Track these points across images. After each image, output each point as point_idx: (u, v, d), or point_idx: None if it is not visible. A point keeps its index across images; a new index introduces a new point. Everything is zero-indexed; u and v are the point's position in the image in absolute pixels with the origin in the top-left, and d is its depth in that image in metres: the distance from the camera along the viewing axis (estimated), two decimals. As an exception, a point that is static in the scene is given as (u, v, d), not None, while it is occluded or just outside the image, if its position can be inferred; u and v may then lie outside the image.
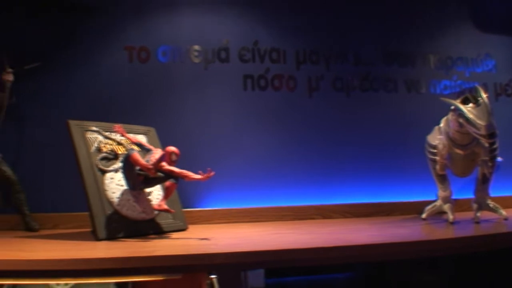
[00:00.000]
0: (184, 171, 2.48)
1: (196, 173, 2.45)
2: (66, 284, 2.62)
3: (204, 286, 2.04)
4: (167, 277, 2.05)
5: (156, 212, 2.75)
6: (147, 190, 2.78)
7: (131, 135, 2.85)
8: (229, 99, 3.61)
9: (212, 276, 1.95)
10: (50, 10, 3.44)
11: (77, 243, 2.44)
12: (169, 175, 2.53)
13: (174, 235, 2.68)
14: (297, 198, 3.55)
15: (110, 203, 2.61)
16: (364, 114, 3.80)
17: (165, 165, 2.51)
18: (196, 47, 3.62)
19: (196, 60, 3.61)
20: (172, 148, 2.55)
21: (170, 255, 1.96)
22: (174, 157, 2.55)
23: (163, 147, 2.78)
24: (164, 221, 2.79)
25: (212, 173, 2.40)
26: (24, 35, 3.44)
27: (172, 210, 2.63)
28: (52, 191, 3.32)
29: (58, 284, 2.59)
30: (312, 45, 3.78)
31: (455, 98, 2.79)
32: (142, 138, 2.95)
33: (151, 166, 2.47)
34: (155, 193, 2.83)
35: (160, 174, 2.53)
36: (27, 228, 3.13)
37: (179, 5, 3.66)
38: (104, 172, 2.70)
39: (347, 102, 3.79)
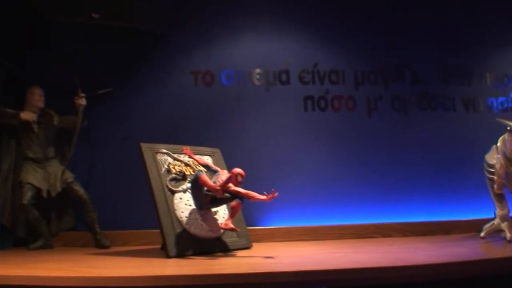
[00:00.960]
0: (250, 192, 2.59)
1: (261, 193, 2.55)
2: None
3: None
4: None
5: (222, 230, 2.85)
6: (214, 209, 2.90)
7: (198, 157, 2.98)
8: (290, 120, 3.71)
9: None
10: (120, 38, 3.67)
11: (147, 260, 2.57)
12: (235, 195, 2.63)
13: (240, 253, 2.78)
14: (356, 216, 3.59)
15: (179, 222, 2.75)
16: (423, 133, 3.81)
17: (231, 186, 2.62)
18: (258, 70, 3.75)
19: (258, 83, 3.74)
20: (238, 170, 2.66)
21: (238, 273, 2.04)
22: (240, 179, 2.67)
23: (227, 167, 2.91)
24: (229, 239, 2.90)
25: (276, 194, 2.49)
26: (95, 61, 3.69)
27: (238, 229, 2.74)
28: (122, 210, 3.53)
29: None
30: (370, 66, 3.84)
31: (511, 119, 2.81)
32: (208, 159, 3.09)
33: (218, 187, 2.59)
34: (221, 213, 2.95)
35: (226, 194, 2.64)
36: (99, 245, 3.32)
37: (242, 31, 3.81)
38: (173, 192, 2.85)
39: (406, 121, 3.81)
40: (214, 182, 2.65)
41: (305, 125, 3.69)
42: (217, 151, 3.25)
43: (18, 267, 2.38)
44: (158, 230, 3.08)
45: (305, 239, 3.43)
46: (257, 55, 3.77)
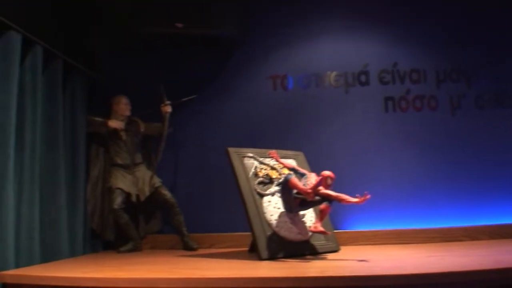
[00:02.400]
0: (341, 195, 2.57)
1: (353, 196, 2.52)
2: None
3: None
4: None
5: (310, 233, 2.85)
6: (301, 212, 2.90)
7: (284, 160, 2.99)
8: (371, 121, 3.65)
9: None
10: (201, 45, 3.74)
11: (241, 262, 2.61)
12: (326, 198, 2.62)
13: (330, 256, 2.76)
14: (442, 218, 3.48)
15: (269, 225, 2.76)
16: (510, 131, 3.64)
17: (322, 189, 2.61)
18: (336, 72, 3.73)
19: (337, 85, 3.71)
20: (327, 173, 2.65)
21: (339, 276, 2.03)
22: (329, 181, 2.65)
23: (311, 170, 2.90)
24: (317, 242, 2.89)
25: (368, 196, 2.44)
26: (178, 69, 3.79)
27: (328, 232, 2.73)
28: (207, 213, 3.59)
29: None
30: (452, 63, 3.71)
31: None
32: (292, 162, 3.08)
33: (309, 190, 2.59)
34: (308, 216, 2.94)
35: (316, 197, 2.63)
36: (186, 247, 3.39)
37: (318, 34, 3.79)
38: (262, 195, 2.86)
39: (490, 119, 3.66)
40: (304, 185, 2.64)
41: (386, 126, 3.62)
42: (301, 154, 3.25)
43: (117, 269, 2.45)
44: (242, 233, 3.27)
45: (391, 242, 3.36)
46: (335, 57, 3.73)
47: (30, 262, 2.59)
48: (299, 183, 2.64)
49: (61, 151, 3.03)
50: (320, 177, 2.60)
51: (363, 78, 3.71)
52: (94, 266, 2.64)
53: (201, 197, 3.61)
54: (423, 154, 3.60)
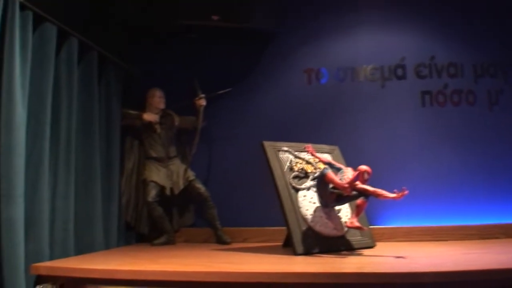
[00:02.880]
0: (378, 190, 2.51)
1: (390, 191, 2.47)
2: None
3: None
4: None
5: (346, 229, 2.80)
6: (337, 207, 2.86)
7: (319, 155, 2.94)
8: (408, 116, 3.57)
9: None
10: (235, 38, 3.74)
11: (275, 257, 2.57)
12: (363, 193, 2.57)
13: (366, 252, 2.71)
14: (479, 215, 3.38)
15: (305, 219, 2.72)
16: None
17: (358, 183, 2.56)
18: (373, 65, 3.66)
19: (373, 78, 3.64)
20: (364, 167, 2.59)
21: (379, 273, 1.99)
22: (366, 176, 2.60)
23: (346, 165, 2.85)
24: (353, 238, 2.84)
25: (406, 192, 2.39)
26: (212, 62, 3.78)
27: (364, 228, 2.68)
28: (240, 207, 3.57)
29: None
30: (490, 58, 3.60)
31: None
32: (327, 157, 3.03)
33: (346, 185, 2.54)
34: (344, 211, 2.90)
35: (353, 192, 2.59)
36: (220, 241, 3.38)
37: (354, 27, 3.72)
38: (297, 190, 2.83)
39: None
40: (340, 180, 2.60)
41: (423, 121, 3.53)
42: (336, 149, 3.20)
43: (152, 262, 2.44)
44: (275, 228, 3.25)
45: (427, 239, 3.27)
46: (371, 50, 3.66)
47: (64, 255, 2.61)
48: (336, 178, 2.60)
49: (96, 144, 3.05)
50: (357, 172, 2.55)
51: (399, 71, 3.63)
52: (129, 258, 2.65)
53: (235, 191, 3.59)
54: (460, 149, 3.50)
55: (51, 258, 2.48)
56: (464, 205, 3.42)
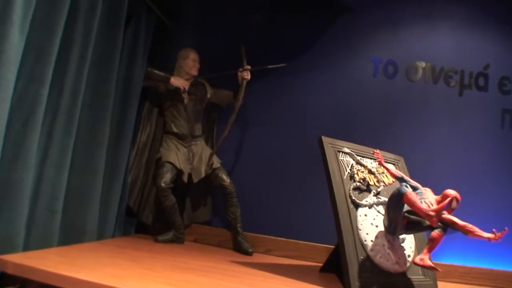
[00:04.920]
0: (469, 225, 1.92)
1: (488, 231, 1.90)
2: None
3: None
4: None
5: (408, 264, 2.19)
6: (401, 236, 2.24)
7: (391, 166, 2.32)
8: (485, 134, 2.98)
9: None
10: (298, 9, 3.15)
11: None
12: (448, 225, 1.96)
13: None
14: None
15: (363, 246, 2.11)
16: None
17: (445, 213, 1.94)
18: (451, 67, 3.06)
19: (451, 84, 3.05)
20: (453, 193, 1.98)
21: None
22: (455, 204, 1.98)
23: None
24: (414, 277, 2.24)
25: (506, 231, 1.85)
26: (265, 32, 3.19)
27: (438, 269, 2.06)
28: (270, 210, 2.99)
29: None
30: None
31: None
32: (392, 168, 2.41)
33: (433, 213, 1.91)
34: (408, 241, 2.28)
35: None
36: (239, 249, 2.79)
37: (436, 20, 3.13)
38: (357, 206, 2.21)
39: None
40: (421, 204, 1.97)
41: (502, 143, 2.96)
42: (401, 160, 2.61)
43: (164, 279, 1.82)
44: (307, 243, 2.78)
45: (485, 284, 2.73)
46: (452, 49, 3.09)
47: (44, 243, 1.98)
48: (418, 201, 1.97)
49: (109, 103, 2.43)
50: (448, 198, 1.93)
51: (481, 81, 3.05)
52: (129, 264, 2.00)
53: (265, 190, 3.00)
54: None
55: (26, 247, 1.86)
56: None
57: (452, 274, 2.77)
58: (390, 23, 3.15)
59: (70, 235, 2.17)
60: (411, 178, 2.21)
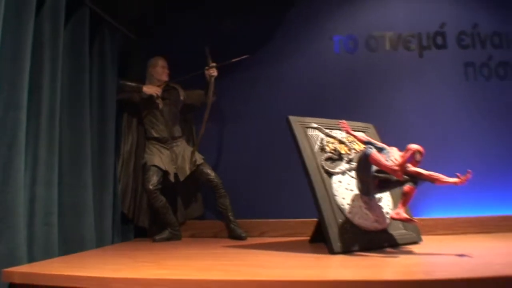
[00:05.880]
0: (434, 174, 2.05)
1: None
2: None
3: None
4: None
5: (388, 221, 2.32)
6: (378, 195, 2.38)
7: (357, 133, 2.45)
8: (450, 90, 3.11)
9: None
10: (253, 2, 3.28)
11: (307, 256, 2.12)
12: (415, 178, 2.08)
13: (414, 249, 2.24)
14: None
15: (341, 210, 2.25)
16: None
17: (410, 166, 2.08)
18: (410, 33, 3.19)
19: (411, 48, 3.18)
20: (416, 147, 2.10)
21: (452, 280, 1.49)
22: (418, 157, 2.11)
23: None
24: (396, 232, 2.37)
25: (470, 175, 1.96)
26: (227, 27, 3.30)
27: (415, 220, 2.19)
28: (257, 195, 3.11)
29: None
30: (539, 27, 3.11)
31: None
32: (363, 136, 2.55)
33: (397, 168, 2.05)
34: (385, 200, 2.42)
35: (404, 176, 2.10)
36: (234, 236, 2.92)
37: (390, -11, 3.24)
38: (330, 174, 2.34)
39: None
40: (387, 162, 2.10)
41: (467, 96, 3.10)
42: (371, 127, 2.75)
43: (156, 265, 1.96)
44: (297, 220, 2.90)
45: (473, 231, 2.84)
46: (406, 15, 3.22)
47: (46, 256, 2.10)
48: (382, 159, 2.10)
49: (86, 120, 2.55)
50: (410, 152, 2.06)
51: (439, 40, 3.18)
52: (126, 260, 2.14)
53: (251, 177, 3.13)
54: (510, 130, 3.04)
55: (30, 260, 1.98)
56: (512, 192, 2.94)
57: (439, 226, 2.88)
58: (348, 1, 3.28)
59: (70, 246, 2.30)
60: (384, 142, 2.32)
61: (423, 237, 2.54)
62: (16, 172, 1.95)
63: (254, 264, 1.97)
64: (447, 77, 3.13)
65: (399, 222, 2.37)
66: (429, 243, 2.41)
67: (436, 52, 3.16)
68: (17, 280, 1.74)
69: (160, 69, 3.03)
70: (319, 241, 2.33)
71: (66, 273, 1.74)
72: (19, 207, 1.94)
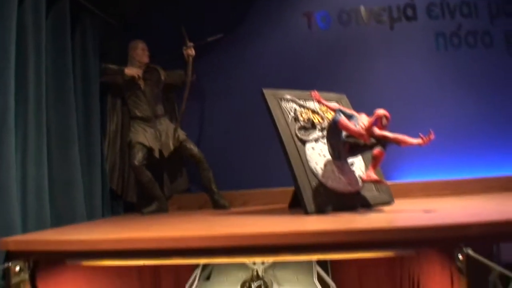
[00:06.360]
0: (399, 136, 2.18)
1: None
2: (263, 263, 2.45)
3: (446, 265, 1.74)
4: (399, 253, 1.78)
5: (361, 184, 2.47)
6: (350, 160, 2.52)
7: (328, 102, 2.58)
8: (421, 60, 3.23)
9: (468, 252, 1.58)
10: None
11: (284, 217, 2.27)
12: (381, 141, 2.22)
13: (385, 209, 2.37)
14: (501, 166, 3.08)
15: (314, 174, 2.38)
16: None
17: (377, 130, 2.21)
18: (380, 6, 3.30)
19: (382, 21, 3.29)
20: (382, 112, 2.24)
21: (415, 227, 1.65)
22: (385, 121, 2.24)
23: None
24: (369, 193, 2.52)
25: (433, 136, 2.09)
26: (202, 8, 3.39)
27: (383, 181, 2.34)
28: (239, 168, 3.24)
29: (254, 263, 2.43)
30: (506, -5, 3.21)
31: None
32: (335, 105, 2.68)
33: (364, 132, 2.19)
34: (358, 164, 2.56)
35: (371, 140, 2.24)
36: (217, 206, 3.06)
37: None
38: (304, 142, 2.48)
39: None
40: (355, 127, 2.24)
41: (438, 65, 3.21)
42: (344, 97, 2.86)
43: (144, 229, 2.13)
44: (279, 189, 3.00)
45: (446, 194, 2.96)
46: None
47: (39, 227, 2.23)
48: (350, 124, 2.24)
49: (71, 103, 2.66)
50: (375, 116, 2.20)
51: (409, 12, 3.28)
52: (115, 228, 2.29)
53: (232, 151, 3.26)
54: (479, 96, 3.17)
55: (24, 231, 2.12)
56: (484, 156, 3.12)
57: (413, 190, 3.01)
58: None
59: (62, 221, 2.43)
60: (357, 111, 2.42)
61: (398, 201, 2.67)
62: (8, 152, 2.08)
63: (236, 224, 2.12)
64: (418, 48, 3.23)
65: (372, 185, 2.52)
66: (401, 204, 2.54)
67: (406, 24, 3.26)
68: (12, 247, 1.86)
69: (140, 51, 3.13)
70: (297, 206, 2.44)
71: (58, 238, 1.89)
72: (12, 184, 2.07)
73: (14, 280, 1.82)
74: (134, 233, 1.93)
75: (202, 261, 2.24)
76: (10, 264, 1.81)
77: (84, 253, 1.84)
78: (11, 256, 1.87)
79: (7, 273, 1.81)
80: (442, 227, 1.62)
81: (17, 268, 1.82)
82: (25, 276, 1.85)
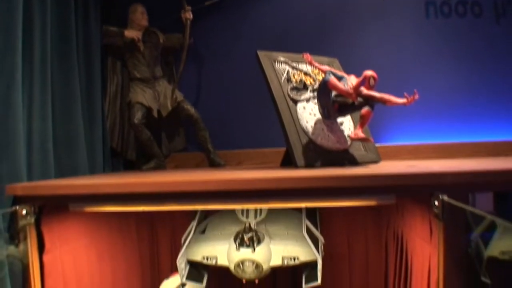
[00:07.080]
0: (386, 95, 2.31)
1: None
2: (256, 218, 2.56)
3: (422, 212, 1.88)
4: (380, 200, 1.91)
5: (349, 142, 2.60)
6: (339, 120, 2.64)
7: (319, 65, 2.69)
8: (411, 28, 3.33)
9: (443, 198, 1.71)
10: None
11: (276, 171, 2.38)
12: (369, 100, 2.35)
13: (372, 165, 2.51)
14: (489, 132, 3.21)
15: (305, 132, 2.52)
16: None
17: (364, 90, 2.33)
18: (373, -28, 3.35)
19: (374, -12, 3.35)
20: (370, 72, 2.35)
21: (395, 174, 1.79)
22: (372, 82, 2.36)
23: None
24: (357, 152, 2.65)
25: (417, 96, 2.23)
26: None
27: (370, 139, 2.47)
28: (234, 128, 3.38)
29: (247, 217, 2.54)
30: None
31: None
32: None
33: (351, 91, 2.31)
34: (347, 124, 2.69)
35: (359, 99, 2.36)
36: (213, 164, 3.20)
37: None
38: (296, 102, 2.61)
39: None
40: (344, 87, 2.36)
41: (428, 33, 3.30)
42: (335, 61, 2.97)
43: (143, 179, 2.22)
44: (273, 149, 3.11)
45: (434, 157, 3.10)
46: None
47: (44, 177, 2.36)
48: (339, 84, 2.36)
49: (74, 63, 2.76)
50: (363, 77, 2.32)
51: (400, -22, 3.33)
52: (117, 178, 2.41)
53: (227, 111, 3.40)
54: (467, 64, 3.28)
55: (30, 180, 2.25)
56: (473, 122, 3.24)
57: (401, 152, 3.15)
58: None
59: (65, 171, 2.56)
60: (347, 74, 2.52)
61: (387, 162, 2.81)
62: (15, 107, 2.19)
63: (231, 175, 2.24)
64: (408, 15, 3.31)
65: (360, 144, 2.65)
66: (388, 164, 2.66)
67: (398, -8, 3.31)
68: (19, 192, 1.99)
69: (139, 14, 3.22)
70: (289, 165, 2.56)
71: (62, 183, 2.03)
72: (19, 137, 2.18)
73: (21, 223, 1.96)
74: (134, 180, 2.06)
75: (198, 207, 2.37)
76: (17, 207, 1.94)
77: (87, 197, 1.97)
78: (18, 201, 2.00)
79: (14, 216, 1.95)
80: (419, 175, 1.77)
81: (24, 212, 1.96)
82: (31, 219, 1.99)
